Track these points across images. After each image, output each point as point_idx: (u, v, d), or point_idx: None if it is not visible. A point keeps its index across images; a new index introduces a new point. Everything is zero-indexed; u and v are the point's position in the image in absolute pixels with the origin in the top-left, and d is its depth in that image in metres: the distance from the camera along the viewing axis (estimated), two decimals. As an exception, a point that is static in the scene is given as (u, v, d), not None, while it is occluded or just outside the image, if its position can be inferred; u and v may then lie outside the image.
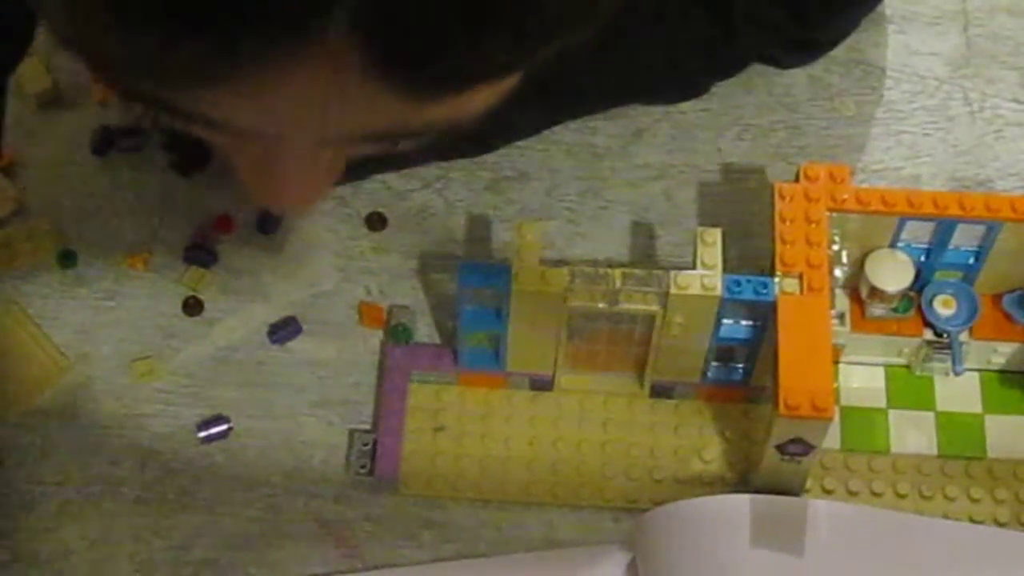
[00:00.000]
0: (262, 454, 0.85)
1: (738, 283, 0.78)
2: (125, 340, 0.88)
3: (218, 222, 0.92)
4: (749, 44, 0.94)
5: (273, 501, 0.84)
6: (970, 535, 0.80)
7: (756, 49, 0.94)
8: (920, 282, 0.84)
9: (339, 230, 0.92)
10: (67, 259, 0.91)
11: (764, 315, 0.79)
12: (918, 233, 0.83)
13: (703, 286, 0.77)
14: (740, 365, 0.84)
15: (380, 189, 0.93)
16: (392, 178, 0.93)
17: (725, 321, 0.80)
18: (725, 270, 0.78)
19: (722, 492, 0.82)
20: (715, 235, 0.79)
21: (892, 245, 0.83)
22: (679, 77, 0.94)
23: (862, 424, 0.85)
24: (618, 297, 0.78)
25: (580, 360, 0.84)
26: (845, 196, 0.80)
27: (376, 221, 0.92)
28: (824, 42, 0.96)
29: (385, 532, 0.83)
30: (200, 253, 0.90)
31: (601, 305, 0.78)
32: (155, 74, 0.45)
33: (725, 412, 0.85)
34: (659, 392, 0.85)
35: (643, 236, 0.92)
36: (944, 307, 0.84)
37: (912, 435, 0.85)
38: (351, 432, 0.85)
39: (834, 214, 0.80)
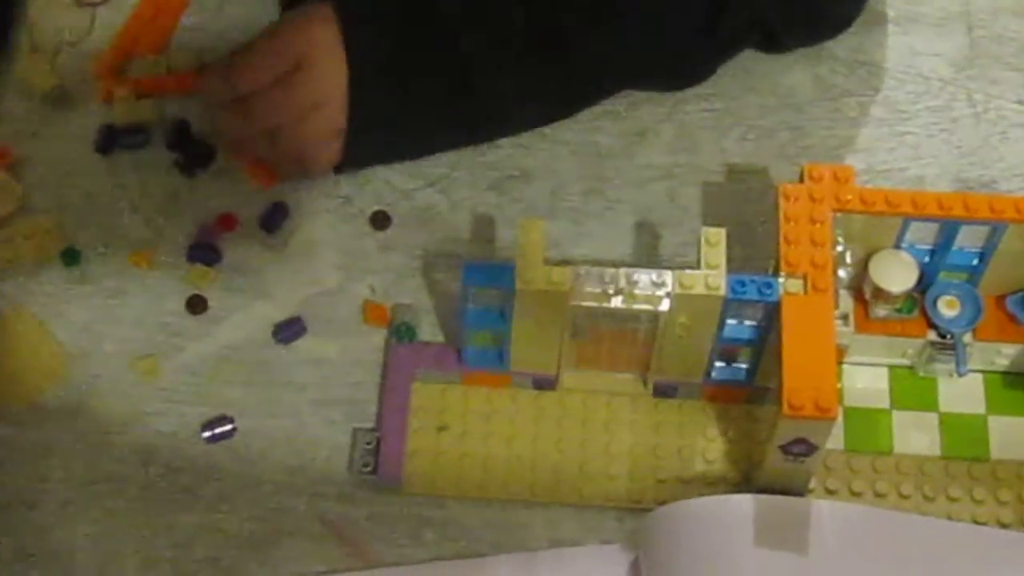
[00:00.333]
0: (265, 453, 0.85)
1: (742, 283, 0.78)
2: (129, 338, 0.88)
3: (222, 220, 0.92)
4: (743, 15, 0.92)
5: (276, 500, 0.84)
6: (973, 536, 0.80)
7: (753, 14, 0.93)
8: (924, 283, 0.84)
9: (343, 228, 0.92)
10: (71, 257, 0.91)
11: (768, 315, 0.79)
12: (922, 234, 0.83)
13: (707, 286, 0.77)
14: (744, 365, 0.84)
15: (384, 188, 0.93)
16: (396, 177, 0.93)
17: (729, 321, 0.80)
18: (729, 270, 0.78)
19: (725, 492, 0.82)
20: (719, 235, 0.79)
21: (896, 246, 0.83)
22: (675, 52, 0.93)
23: (866, 425, 0.85)
24: (622, 297, 0.78)
25: (584, 360, 0.84)
26: (849, 197, 0.80)
27: (380, 220, 0.92)
28: (825, 13, 0.95)
29: (388, 531, 0.83)
30: (204, 251, 0.91)
31: (605, 305, 0.78)
32: None
33: (729, 412, 0.85)
34: (663, 392, 0.85)
35: (647, 236, 0.92)
36: (948, 308, 0.84)
37: (915, 436, 0.85)
38: (354, 431, 0.85)
39: (838, 215, 0.80)
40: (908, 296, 0.84)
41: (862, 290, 0.84)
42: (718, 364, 0.84)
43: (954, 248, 0.83)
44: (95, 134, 0.95)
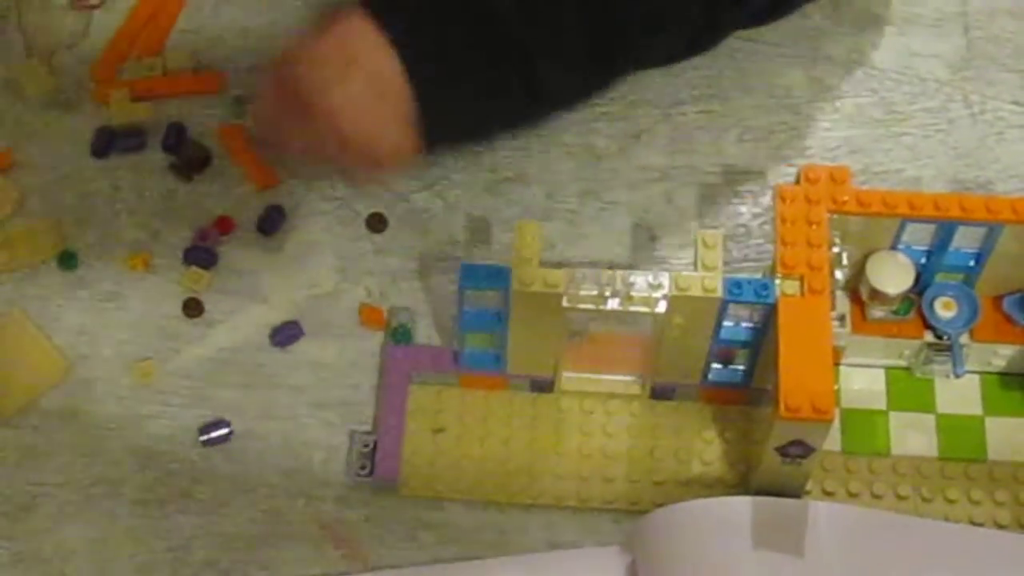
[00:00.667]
0: (262, 455, 0.85)
1: (739, 285, 0.78)
2: (125, 341, 0.88)
3: (218, 223, 0.92)
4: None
5: (273, 502, 0.84)
6: (970, 537, 0.80)
7: None
8: (921, 284, 0.84)
9: (339, 231, 0.92)
10: (67, 260, 0.91)
11: (765, 317, 0.79)
12: (919, 235, 0.83)
13: (704, 288, 0.77)
14: (741, 367, 0.84)
15: (380, 190, 0.93)
16: (393, 179, 0.93)
17: (726, 323, 0.80)
18: (725, 272, 0.78)
19: (722, 494, 0.82)
20: (716, 237, 0.79)
21: (893, 247, 0.83)
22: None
23: (863, 426, 0.85)
24: (618, 299, 0.78)
25: (580, 362, 0.84)
26: (846, 198, 0.80)
27: (377, 222, 0.92)
28: None
29: (385, 533, 0.83)
30: (200, 254, 0.90)
31: (601, 307, 0.78)
32: None
33: (726, 414, 0.85)
34: (660, 394, 0.85)
35: (643, 238, 0.92)
36: (945, 309, 0.84)
37: (912, 437, 0.85)
38: (351, 433, 0.85)
39: (835, 216, 0.80)
40: (905, 297, 0.84)
41: (859, 291, 0.84)
42: (715, 366, 0.84)
43: (951, 249, 0.83)
44: (92, 137, 0.95)
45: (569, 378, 0.85)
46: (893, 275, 0.83)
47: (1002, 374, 0.86)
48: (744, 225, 0.92)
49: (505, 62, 0.83)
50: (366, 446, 0.84)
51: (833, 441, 0.84)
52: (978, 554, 0.79)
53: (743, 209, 0.93)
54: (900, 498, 0.83)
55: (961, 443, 0.85)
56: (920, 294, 0.84)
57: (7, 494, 0.84)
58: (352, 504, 0.84)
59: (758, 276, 0.80)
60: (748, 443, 0.84)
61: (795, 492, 0.81)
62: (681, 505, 0.79)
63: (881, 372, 0.87)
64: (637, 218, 0.92)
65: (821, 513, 0.79)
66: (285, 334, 0.88)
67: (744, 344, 0.82)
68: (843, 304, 0.84)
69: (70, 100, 0.97)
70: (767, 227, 0.91)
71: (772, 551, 0.78)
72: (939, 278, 0.84)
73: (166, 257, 0.91)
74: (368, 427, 0.86)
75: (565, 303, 0.78)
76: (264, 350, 0.88)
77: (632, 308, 0.78)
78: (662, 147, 0.95)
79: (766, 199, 0.93)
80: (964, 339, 0.84)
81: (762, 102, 0.97)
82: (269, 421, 0.86)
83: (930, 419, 0.85)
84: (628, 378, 0.86)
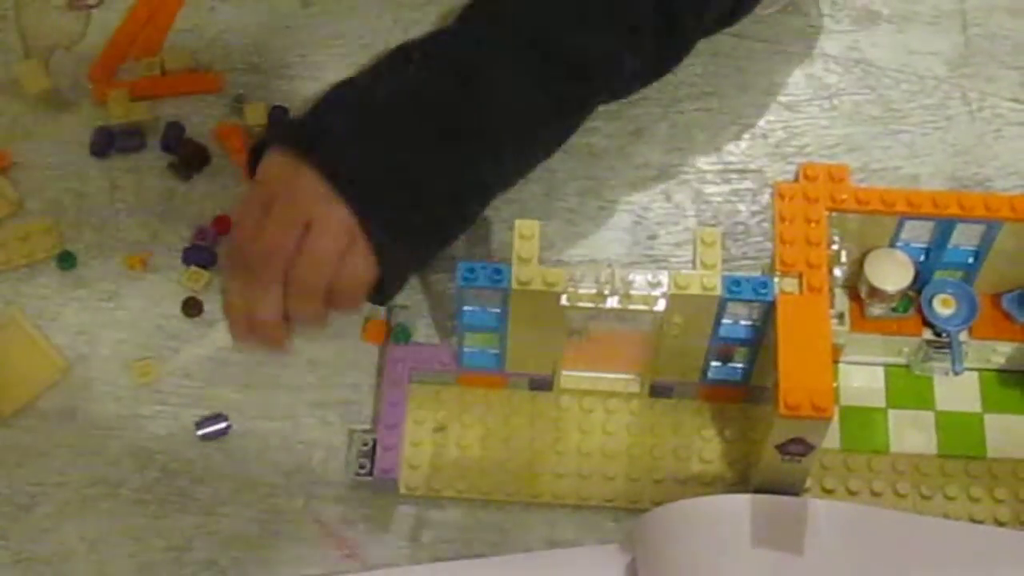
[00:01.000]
0: (261, 455, 0.85)
1: (737, 283, 0.78)
2: (124, 341, 0.88)
3: (217, 223, 0.92)
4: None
5: (273, 502, 0.84)
6: (970, 534, 0.81)
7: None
8: (919, 282, 0.84)
9: (338, 231, 0.92)
10: (66, 260, 0.91)
11: (764, 315, 0.79)
12: (917, 233, 0.83)
13: (702, 286, 0.77)
14: (740, 365, 0.84)
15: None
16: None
17: (725, 321, 0.80)
18: (724, 270, 0.78)
19: (722, 492, 0.82)
20: (714, 235, 0.79)
21: (891, 245, 0.83)
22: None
23: (862, 424, 0.85)
24: (618, 297, 0.78)
25: (580, 360, 0.84)
26: (844, 196, 0.80)
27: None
28: None
29: (384, 532, 0.83)
30: (199, 254, 0.90)
31: (600, 305, 0.78)
32: None
33: (725, 412, 0.85)
34: (659, 392, 0.85)
35: (642, 236, 0.92)
36: (943, 306, 0.84)
37: (912, 434, 0.85)
38: (350, 432, 0.85)
39: (833, 214, 0.80)
40: (904, 295, 0.84)
41: (858, 289, 0.84)
42: (714, 364, 0.84)
43: (949, 247, 0.83)
44: (90, 137, 0.95)
45: (568, 376, 0.85)
46: (892, 273, 0.83)
47: (1001, 371, 0.87)
48: (743, 223, 0.92)
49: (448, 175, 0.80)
50: (365, 445, 0.84)
51: (832, 439, 0.84)
52: (978, 551, 0.79)
53: (742, 207, 0.93)
54: (899, 495, 0.83)
55: (960, 440, 0.85)
56: (919, 291, 0.84)
57: (7, 494, 0.84)
58: (351, 503, 0.84)
59: (757, 274, 0.80)
60: (747, 441, 0.84)
61: (794, 490, 0.81)
62: (680, 503, 0.79)
63: (880, 370, 0.87)
64: (636, 216, 0.92)
65: (820, 511, 0.79)
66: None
67: (743, 342, 0.82)
68: (842, 302, 0.84)
69: (69, 100, 0.97)
70: (766, 225, 0.91)
71: (772, 549, 0.78)
72: (938, 275, 0.84)
73: (165, 256, 0.91)
74: (367, 426, 0.86)
75: (564, 302, 0.78)
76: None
77: (631, 306, 0.78)
78: (661, 145, 0.95)
79: (765, 197, 0.93)
80: (963, 336, 0.84)
81: (760, 100, 0.97)
82: (268, 421, 0.86)
83: (929, 416, 0.85)
84: (627, 376, 0.86)
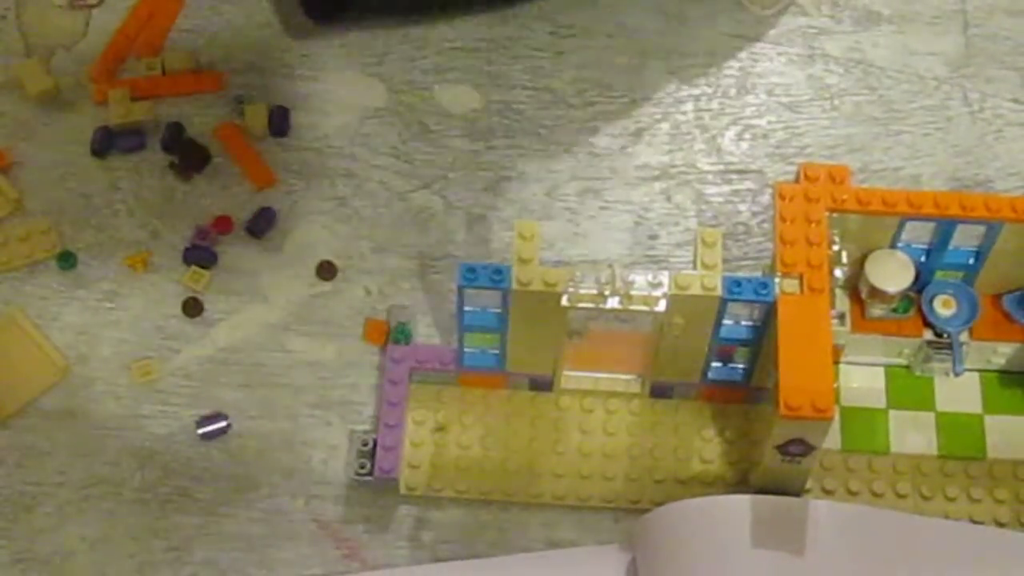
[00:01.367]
0: (262, 455, 0.85)
1: (738, 283, 0.78)
2: (125, 341, 0.88)
3: (218, 223, 0.92)
4: None
5: (273, 502, 0.84)
6: (970, 535, 0.80)
7: None
8: (920, 282, 0.84)
9: (339, 230, 0.92)
10: (66, 260, 0.90)
11: (764, 315, 0.79)
12: (918, 233, 0.83)
13: (703, 287, 0.77)
14: (740, 365, 0.84)
15: (379, 189, 0.93)
16: (392, 178, 0.93)
17: (725, 321, 0.80)
18: (725, 270, 0.78)
19: (722, 492, 0.82)
20: (715, 235, 0.79)
21: (892, 245, 0.83)
22: None
23: (862, 424, 0.85)
24: (618, 298, 0.78)
25: (580, 360, 0.84)
26: (845, 196, 0.80)
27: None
28: None
29: (385, 532, 0.83)
30: (200, 254, 0.90)
31: (601, 306, 0.78)
32: None
33: (725, 412, 0.85)
34: (659, 392, 0.85)
35: (643, 236, 0.92)
36: (944, 307, 0.84)
37: (912, 435, 0.85)
38: (351, 432, 0.85)
39: (834, 214, 0.80)
40: (904, 295, 0.84)
41: (858, 290, 0.84)
42: (715, 364, 0.84)
43: (950, 247, 0.83)
44: (91, 136, 0.94)
45: (569, 377, 0.85)
46: (892, 273, 0.83)
47: (1002, 372, 0.86)
48: (743, 223, 0.92)
49: None
50: (365, 445, 0.84)
51: (833, 439, 0.84)
52: (978, 552, 0.79)
53: (742, 207, 0.93)
54: (900, 496, 0.83)
55: (961, 441, 0.85)
56: (919, 292, 0.84)
57: (7, 494, 0.84)
58: (351, 503, 0.84)
59: (758, 274, 0.80)
60: (748, 441, 0.84)
61: (795, 490, 0.81)
62: (681, 503, 0.79)
63: (881, 370, 0.87)
64: (636, 217, 0.92)
65: (821, 511, 0.79)
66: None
67: (744, 342, 0.82)
68: (843, 302, 0.84)
69: (69, 100, 0.97)
70: (766, 225, 0.91)
71: (772, 549, 0.77)
72: (938, 276, 0.84)
73: (165, 256, 0.91)
74: (368, 426, 0.86)
75: (564, 302, 0.78)
76: (263, 350, 0.88)
77: (632, 307, 0.78)
78: (661, 145, 0.95)
79: (765, 197, 0.93)
80: (964, 337, 0.84)
81: (761, 100, 0.97)
82: (269, 421, 0.86)
83: (930, 417, 0.85)
84: (628, 377, 0.86)
